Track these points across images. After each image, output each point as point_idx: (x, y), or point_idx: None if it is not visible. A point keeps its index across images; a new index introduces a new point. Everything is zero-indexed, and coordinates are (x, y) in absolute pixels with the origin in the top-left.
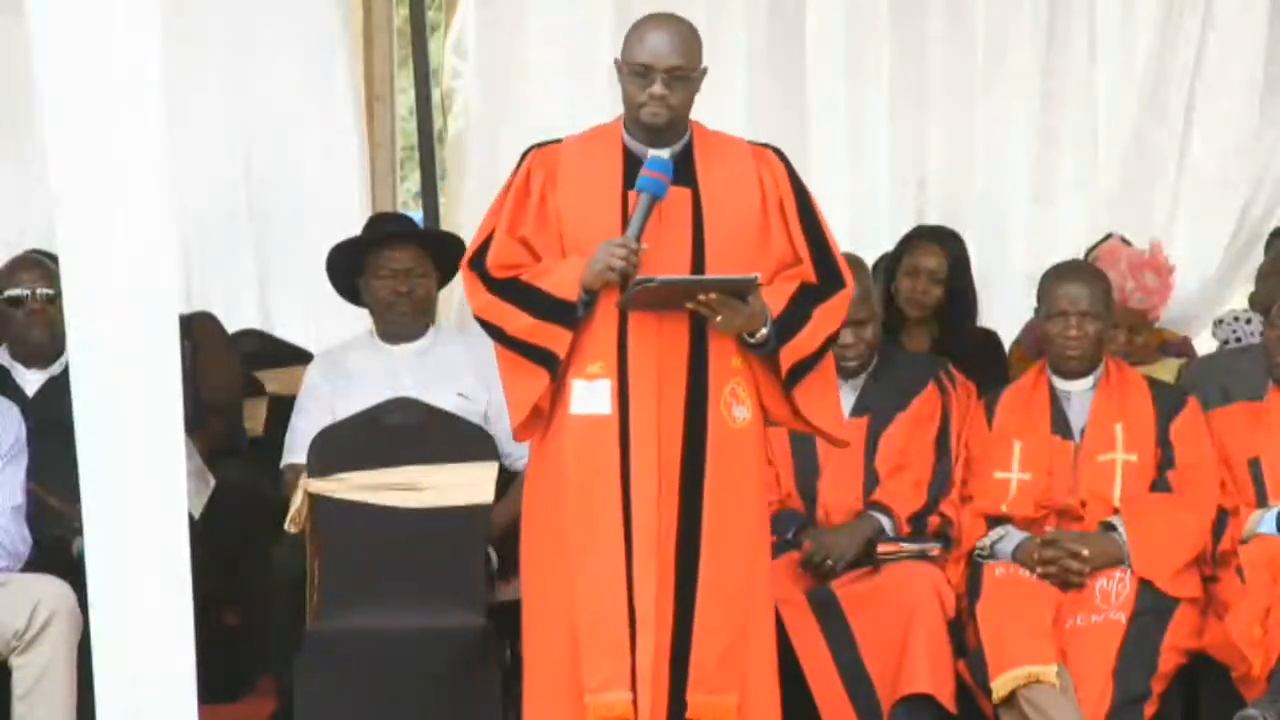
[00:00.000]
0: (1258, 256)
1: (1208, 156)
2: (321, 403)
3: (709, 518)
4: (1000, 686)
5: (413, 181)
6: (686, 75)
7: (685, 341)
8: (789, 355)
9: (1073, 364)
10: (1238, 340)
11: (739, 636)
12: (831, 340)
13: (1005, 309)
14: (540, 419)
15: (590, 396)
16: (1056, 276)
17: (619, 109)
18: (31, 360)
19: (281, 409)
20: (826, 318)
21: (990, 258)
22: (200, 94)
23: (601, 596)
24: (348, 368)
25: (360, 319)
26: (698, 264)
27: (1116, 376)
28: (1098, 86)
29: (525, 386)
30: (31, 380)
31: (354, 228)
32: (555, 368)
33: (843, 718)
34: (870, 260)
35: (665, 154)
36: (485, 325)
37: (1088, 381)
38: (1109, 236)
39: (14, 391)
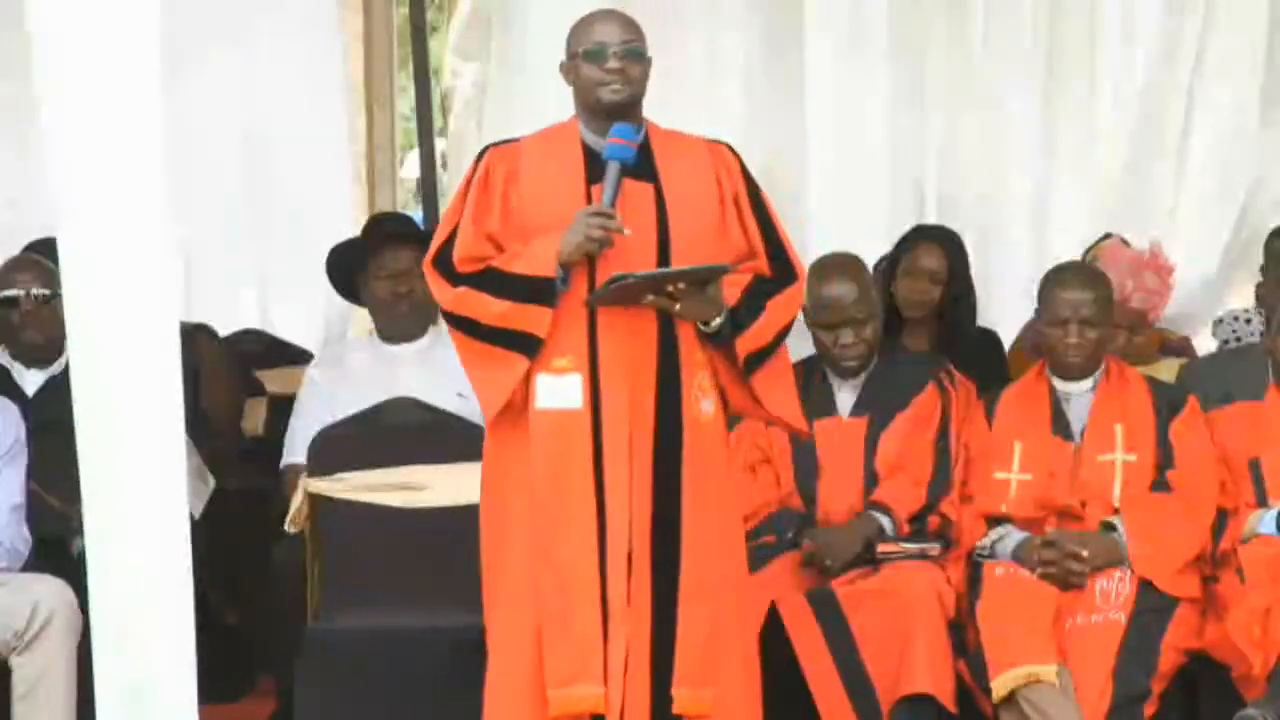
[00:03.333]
0: (1258, 256)
1: (1208, 156)
2: (321, 403)
3: (688, 510)
4: (1000, 686)
5: (412, 165)
6: (639, 51)
7: (654, 334)
8: (745, 344)
9: (1073, 370)
10: (1238, 340)
11: (718, 630)
12: (785, 332)
13: (1005, 309)
14: (512, 412)
15: (558, 391)
16: (1058, 281)
17: None
18: (31, 360)
19: (281, 409)
20: (780, 310)
21: (990, 258)
22: (200, 94)
23: (571, 591)
24: (348, 368)
25: (360, 319)
26: (663, 257)
27: (1116, 377)
28: (1098, 86)
29: (500, 376)
30: (31, 380)
31: (353, 228)
32: (534, 351)
33: (843, 718)
34: (870, 260)
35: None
36: (455, 320)
37: (1088, 382)
38: (1107, 236)
39: (14, 391)
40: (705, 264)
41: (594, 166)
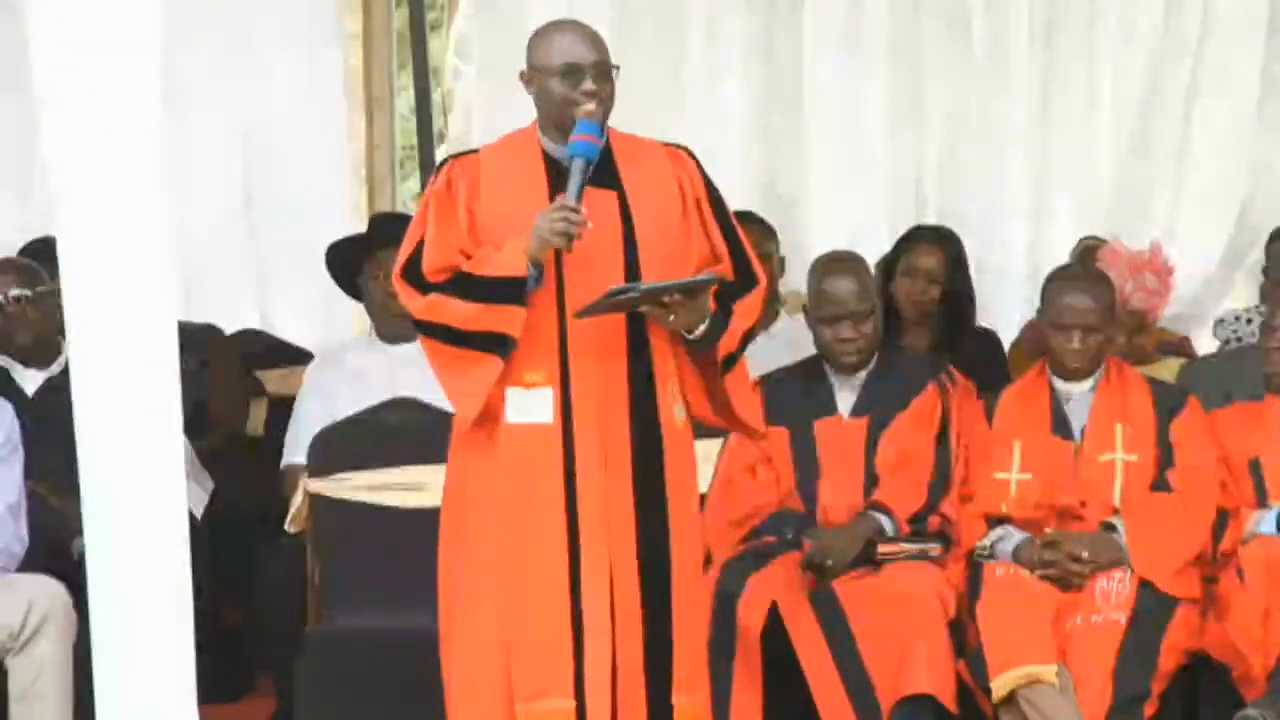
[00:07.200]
0: (1258, 256)
1: (1208, 157)
2: (321, 403)
3: (675, 518)
4: (1000, 686)
5: (414, 181)
6: (609, 69)
7: (624, 344)
8: (722, 348)
9: (1074, 373)
10: (1239, 340)
11: (702, 635)
12: (749, 336)
13: (1005, 309)
14: (486, 417)
15: (529, 405)
16: (1061, 286)
17: (617, 108)
18: (30, 360)
19: (281, 409)
20: (745, 314)
21: (990, 258)
22: (200, 95)
23: (540, 606)
24: (348, 368)
25: (360, 318)
26: (630, 265)
27: (1117, 377)
28: (1097, 86)
29: (474, 382)
30: (31, 380)
31: (353, 228)
32: (507, 352)
33: (843, 718)
34: (869, 260)
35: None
36: (428, 328)
37: (1088, 382)
38: (1089, 238)
39: (14, 391)
40: (681, 273)
41: (555, 177)
